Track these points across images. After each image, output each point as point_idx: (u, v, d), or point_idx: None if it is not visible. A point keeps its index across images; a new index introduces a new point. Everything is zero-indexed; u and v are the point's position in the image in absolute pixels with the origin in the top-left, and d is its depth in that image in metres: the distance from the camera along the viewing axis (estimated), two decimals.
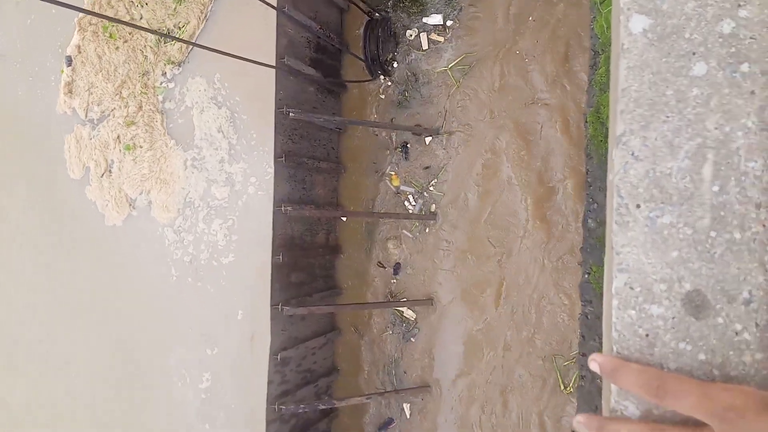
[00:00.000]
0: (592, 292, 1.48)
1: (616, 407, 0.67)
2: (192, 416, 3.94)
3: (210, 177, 3.86)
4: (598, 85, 1.39)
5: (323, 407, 4.12)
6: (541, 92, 3.70)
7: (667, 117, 0.66)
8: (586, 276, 1.45)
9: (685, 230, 0.65)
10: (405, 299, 4.28)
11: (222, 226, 3.82)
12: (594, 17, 1.72)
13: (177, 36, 3.82)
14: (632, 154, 0.68)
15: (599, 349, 1.61)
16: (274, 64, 3.69)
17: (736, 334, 0.62)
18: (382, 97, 4.42)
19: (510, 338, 3.92)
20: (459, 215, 4.12)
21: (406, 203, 4.30)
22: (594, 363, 0.68)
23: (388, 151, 4.39)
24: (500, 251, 3.95)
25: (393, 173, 4.30)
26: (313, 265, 4.28)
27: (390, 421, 4.32)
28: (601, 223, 1.35)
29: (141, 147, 4.01)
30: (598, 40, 1.44)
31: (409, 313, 4.25)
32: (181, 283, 3.95)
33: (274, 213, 3.77)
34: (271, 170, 3.71)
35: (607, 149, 1.54)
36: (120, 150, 4.06)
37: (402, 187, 4.30)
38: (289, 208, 3.76)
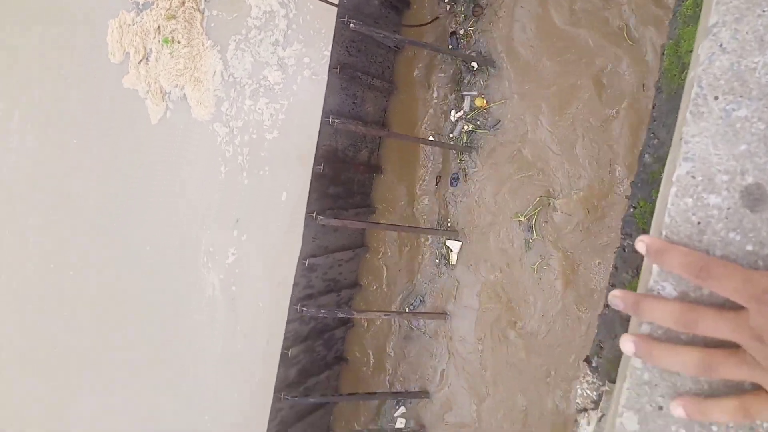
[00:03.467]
0: (634, 226, 1.48)
1: (653, 287, 0.70)
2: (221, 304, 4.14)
3: (261, 59, 3.86)
4: (683, 17, 1.35)
5: (342, 316, 4.29)
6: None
7: (763, 11, 0.66)
8: (632, 210, 1.45)
9: (758, 125, 0.66)
10: (438, 228, 4.34)
11: (269, 105, 3.86)
12: None
13: None
14: (720, 46, 0.68)
15: (630, 283, 1.61)
16: None
17: None
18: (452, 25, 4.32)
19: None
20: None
21: (452, 115, 4.30)
22: (641, 243, 0.70)
23: (443, 74, 4.34)
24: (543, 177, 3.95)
25: (480, 95, 4.23)
26: (353, 180, 4.35)
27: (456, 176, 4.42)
28: (658, 159, 1.34)
29: (179, 42, 4.06)
30: None
31: (453, 256, 4.30)
32: (229, 178, 4.03)
33: (321, 123, 3.80)
34: (328, 53, 3.66)
35: (679, 85, 1.52)
36: (159, 41, 4.11)
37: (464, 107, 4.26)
38: (336, 121, 3.79)
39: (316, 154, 3.81)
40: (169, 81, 4.13)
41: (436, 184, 4.40)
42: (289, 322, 4.00)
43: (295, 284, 3.96)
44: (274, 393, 3.98)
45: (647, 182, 1.40)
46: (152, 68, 4.16)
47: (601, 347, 1.72)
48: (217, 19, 3.98)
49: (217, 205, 4.08)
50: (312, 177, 3.83)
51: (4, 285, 4.86)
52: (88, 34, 4.39)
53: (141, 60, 4.19)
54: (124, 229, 4.43)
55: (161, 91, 4.15)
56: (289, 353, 4.04)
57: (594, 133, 3.80)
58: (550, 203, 3.94)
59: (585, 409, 1.73)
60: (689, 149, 0.69)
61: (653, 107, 1.44)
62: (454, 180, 4.29)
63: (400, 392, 4.39)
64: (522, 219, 4.03)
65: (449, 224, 4.32)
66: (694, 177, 0.69)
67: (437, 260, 4.39)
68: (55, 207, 4.66)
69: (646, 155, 1.36)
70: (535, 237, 3.99)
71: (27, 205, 4.74)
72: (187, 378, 4.24)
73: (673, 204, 0.70)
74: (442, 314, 4.31)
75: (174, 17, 4.07)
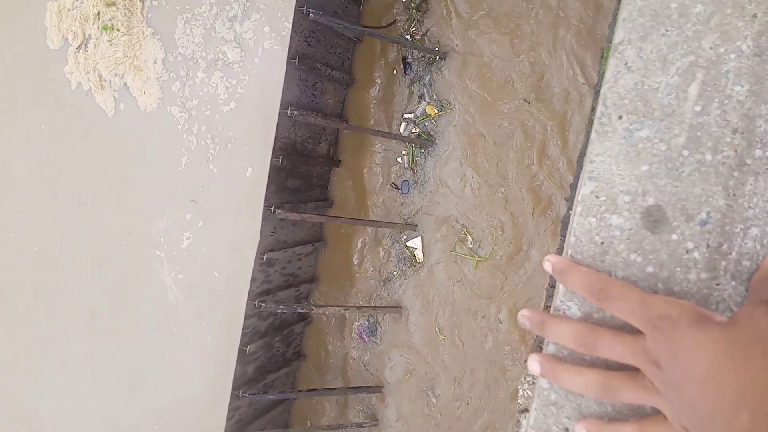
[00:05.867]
0: None
1: (560, 306, 0.70)
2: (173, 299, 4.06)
3: (216, 34, 3.75)
4: None
5: (301, 311, 4.26)
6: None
7: (667, 30, 0.65)
8: (569, 211, 1.45)
9: (659, 146, 0.65)
10: (395, 223, 4.33)
11: (223, 79, 3.76)
12: None
13: None
14: (625, 64, 0.67)
15: None
16: None
17: (687, 252, 0.64)
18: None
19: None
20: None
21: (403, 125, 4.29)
22: (548, 263, 0.70)
23: (395, 72, 4.34)
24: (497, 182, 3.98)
25: (430, 105, 4.22)
26: (311, 173, 4.30)
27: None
28: None
29: (118, 30, 3.96)
30: None
31: (419, 254, 4.27)
32: (190, 167, 3.90)
33: (279, 115, 3.73)
34: (289, 25, 3.52)
35: None
36: (98, 27, 4.00)
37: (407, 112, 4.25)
38: (295, 113, 3.73)
39: (274, 147, 3.75)
40: (108, 69, 4.02)
41: (395, 189, 4.38)
42: (247, 317, 3.94)
43: (252, 279, 3.90)
44: (232, 391, 3.93)
45: None
46: (91, 56, 4.05)
47: (541, 348, 1.75)
48: (158, 8, 3.87)
49: (177, 193, 3.97)
50: (270, 170, 3.76)
51: None
52: (27, 18, 4.24)
53: (79, 46, 4.06)
54: (86, 225, 4.30)
55: (100, 79, 4.04)
56: (247, 350, 3.99)
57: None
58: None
59: (526, 410, 1.76)
60: (594, 168, 0.68)
61: (592, 110, 1.44)
62: (405, 185, 4.29)
63: (357, 387, 4.38)
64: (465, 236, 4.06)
65: (406, 221, 4.31)
66: (597, 197, 0.68)
67: (400, 263, 4.37)
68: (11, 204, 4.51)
69: (584, 157, 1.37)
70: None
71: None
72: (143, 376, 4.16)
73: (578, 224, 0.69)
74: (398, 308, 4.31)
75: (114, 4, 3.96)
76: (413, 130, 4.22)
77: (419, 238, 4.26)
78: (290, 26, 3.52)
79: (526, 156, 3.89)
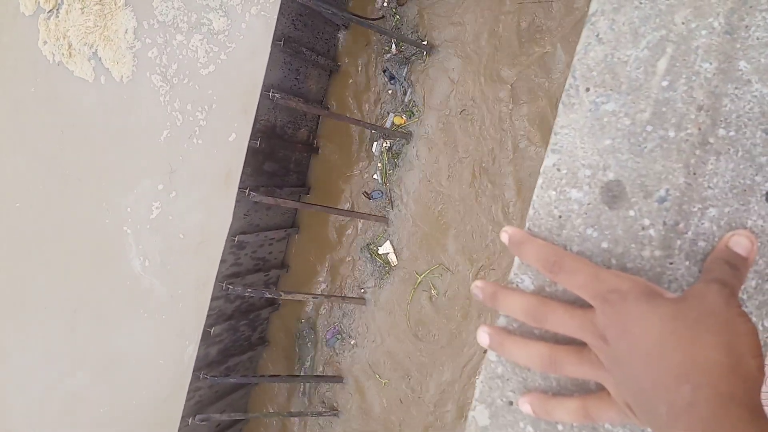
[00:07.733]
0: None
1: (513, 279, 0.69)
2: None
3: (202, 0, 3.65)
4: None
5: (269, 296, 4.21)
6: None
7: (640, 3, 0.64)
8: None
9: (624, 120, 0.64)
10: (364, 212, 4.31)
11: (203, 42, 3.65)
12: None
13: None
14: (597, 36, 0.66)
15: None
16: None
17: (643, 228, 0.63)
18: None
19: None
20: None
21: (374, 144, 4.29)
22: (505, 234, 0.68)
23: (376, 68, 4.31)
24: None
25: (396, 115, 4.19)
26: (289, 158, 4.26)
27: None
28: None
29: None
30: None
31: (392, 257, 4.24)
32: (171, 140, 3.80)
33: (260, 97, 3.67)
34: None
35: None
36: None
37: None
38: (277, 95, 3.68)
39: (253, 128, 3.69)
40: (78, 38, 3.92)
41: (368, 197, 4.34)
42: (213, 299, 3.88)
43: (222, 261, 3.85)
44: (194, 371, 3.87)
45: None
46: (62, 22, 3.94)
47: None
48: None
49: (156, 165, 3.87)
50: (247, 152, 3.70)
51: None
52: None
53: (51, 11, 3.95)
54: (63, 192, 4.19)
55: (69, 48, 3.93)
56: (212, 331, 3.94)
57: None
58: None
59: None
60: (557, 141, 0.67)
61: None
62: (378, 193, 4.27)
63: (319, 376, 4.35)
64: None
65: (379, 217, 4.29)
66: (559, 169, 0.67)
67: (376, 272, 4.33)
68: None
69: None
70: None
71: None
72: (106, 354, 4.07)
73: (538, 196, 0.68)
74: (362, 299, 4.30)
75: None
76: (384, 144, 4.20)
77: (387, 242, 4.24)
78: None
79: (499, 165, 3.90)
